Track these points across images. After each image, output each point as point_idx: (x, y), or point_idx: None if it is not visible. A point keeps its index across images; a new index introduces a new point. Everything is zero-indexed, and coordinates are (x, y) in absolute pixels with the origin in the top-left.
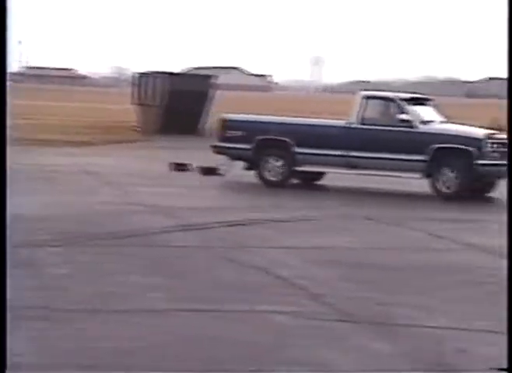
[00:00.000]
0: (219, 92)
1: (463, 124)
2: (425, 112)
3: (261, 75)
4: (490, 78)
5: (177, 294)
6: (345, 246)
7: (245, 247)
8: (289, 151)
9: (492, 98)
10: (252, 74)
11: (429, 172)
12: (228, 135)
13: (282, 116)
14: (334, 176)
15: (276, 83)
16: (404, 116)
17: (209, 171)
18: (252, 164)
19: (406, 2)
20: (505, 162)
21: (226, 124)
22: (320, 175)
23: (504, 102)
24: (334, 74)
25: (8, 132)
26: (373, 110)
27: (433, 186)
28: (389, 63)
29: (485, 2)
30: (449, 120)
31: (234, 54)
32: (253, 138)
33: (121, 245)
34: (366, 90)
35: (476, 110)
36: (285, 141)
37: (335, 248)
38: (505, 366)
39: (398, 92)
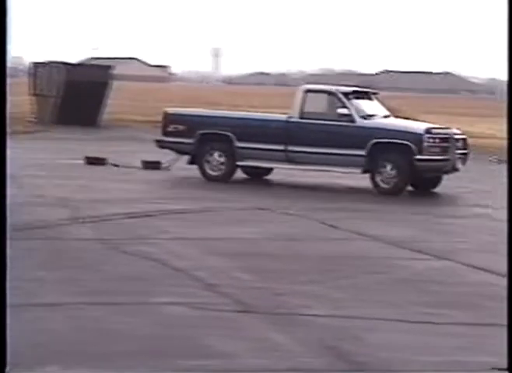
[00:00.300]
0: (117, 83)
1: (408, 119)
2: (366, 106)
3: (161, 66)
4: (386, 71)
5: (72, 287)
6: (243, 237)
7: (143, 239)
8: (231, 145)
9: (387, 90)
10: (151, 65)
11: (368, 168)
12: (170, 129)
13: (194, 107)
14: (287, 172)
15: (175, 74)
16: (343, 111)
17: (151, 165)
18: (194, 158)
19: None
20: (446, 157)
21: (168, 118)
22: (269, 170)
23: (399, 95)
24: (234, 66)
25: None
26: (314, 104)
27: (373, 181)
28: (287, 55)
29: None
30: (395, 114)
31: (133, 44)
32: (195, 132)
33: (18, 239)
34: (307, 83)
35: None
36: (227, 135)
37: (234, 239)
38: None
39: (343, 85)
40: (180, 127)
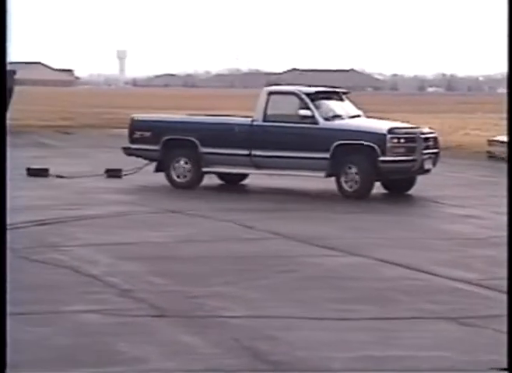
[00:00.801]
0: (20, 88)
1: (376, 119)
2: (332, 106)
3: (65, 70)
4: (292, 69)
5: None
6: (156, 241)
7: (54, 246)
8: (196, 151)
9: None
10: (56, 69)
11: (332, 171)
12: (136, 136)
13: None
14: (267, 177)
15: (78, 77)
16: (305, 112)
17: (113, 173)
18: (161, 165)
19: None
20: (412, 158)
21: (134, 125)
22: (244, 175)
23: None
24: (140, 68)
25: None
26: (277, 106)
27: (338, 184)
28: (193, 56)
29: None
30: (365, 113)
31: (36, 48)
32: (160, 139)
33: None
34: (270, 85)
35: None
36: (191, 140)
37: (145, 243)
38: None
39: (311, 86)
40: (146, 134)
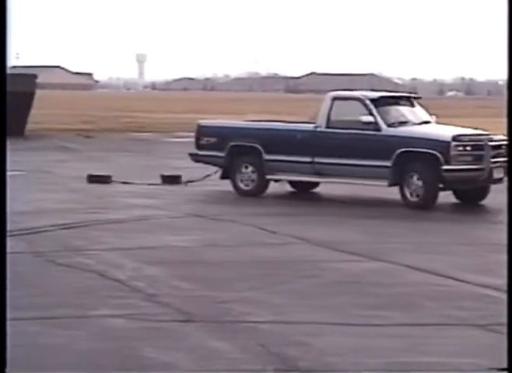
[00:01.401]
0: (40, 92)
1: (448, 125)
2: (399, 112)
3: (84, 73)
4: (311, 73)
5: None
6: (180, 245)
7: (80, 250)
8: (260, 157)
9: (313, 93)
10: (75, 73)
11: (395, 180)
12: (203, 142)
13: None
14: (335, 185)
15: (97, 81)
16: (366, 118)
17: (172, 179)
18: (227, 172)
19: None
20: (479, 167)
21: (201, 130)
22: (315, 183)
23: (324, 97)
24: (159, 71)
25: None
26: (341, 112)
27: (402, 194)
28: (211, 59)
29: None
30: (438, 119)
31: (56, 52)
32: (226, 145)
33: None
34: (334, 90)
35: (300, 105)
36: (255, 147)
37: (170, 247)
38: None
39: (378, 91)
40: (212, 140)
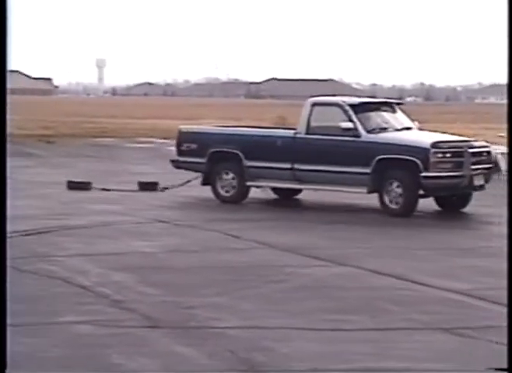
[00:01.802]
0: None
1: (429, 131)
2: (380, 118)
3: (44, 79)
4: (271, 79)
5: None
6: (144, 251)
7: (43, 256)
8: (240, 164)
9: (272, 98)
10: (34, 78)
11: (374, 187)
12: (183, 148)
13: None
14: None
15: (57, 86)
16: (346, 124)
17: (147, 186)
18: (207, 178)
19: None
20: (459, 174)
21: (181, 137)
22: (298, 189)
23: (284, 102)
24: (119, 77)
25: None
26: (321, 118)
27: (381, 201)
28: (171, 65)
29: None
30: (421, 125)
31: (14, 57)
32: (206, 151)
33: None
34: (314, 96)
35: (261, 110)
36: (236, 153)
37: (134, 253)
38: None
39: (359, 96)
40: (193, 146)
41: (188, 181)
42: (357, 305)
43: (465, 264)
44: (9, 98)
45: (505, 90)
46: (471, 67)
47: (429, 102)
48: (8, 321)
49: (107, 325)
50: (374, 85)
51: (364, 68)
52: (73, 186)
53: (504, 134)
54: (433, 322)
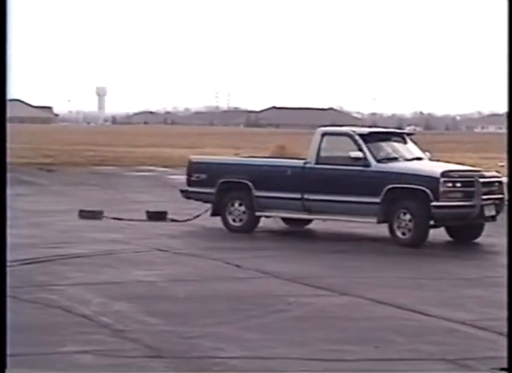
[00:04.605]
0: None
1: (440, 161)
2: (387, 148)
3: (44, 107)
4: (271, 107)
5: None
6: (146, 280)
7: (43, 285)
8: (249, 194)
9: (272, 127)
10: (34, 106)
11: (384, 217)
12: (193, 179)
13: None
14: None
15: (57, 115)
16: (356, 154)
17: (157, 216)
18: (217, 209)
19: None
20: (469, 204)
21: (191, 167)
22: (308, 219)
23: (284, 131)
24: (117, 105)
25: None
26: (330, 148)
27: (390, 231)
28: (172, 93)
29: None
30: (432, 155)
31: (15, 85)
32: (216, 181)
33: None
34: (323, 126)
35: (260, 139)
36: (246, 183)
37: (135, 282)
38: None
39: (366, 126)
40: (203, 176)
41: (198, 216)
42: (360, 335)
43: (471, 294)
44: (9, 126)
45: (504, 119)
46: (470, 97)
47: (428, 131)
48: (8, 351)
49: (109, 355)
50: (374, 114)
51: (364, 97)
52: (85, 215)
53: (504, 163)
54: (437, 353)
